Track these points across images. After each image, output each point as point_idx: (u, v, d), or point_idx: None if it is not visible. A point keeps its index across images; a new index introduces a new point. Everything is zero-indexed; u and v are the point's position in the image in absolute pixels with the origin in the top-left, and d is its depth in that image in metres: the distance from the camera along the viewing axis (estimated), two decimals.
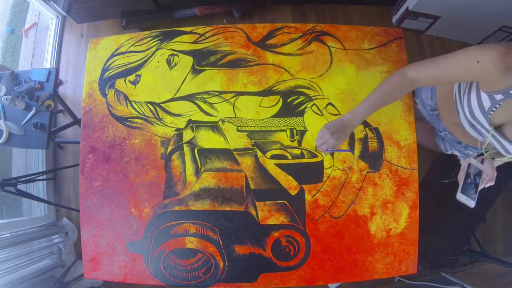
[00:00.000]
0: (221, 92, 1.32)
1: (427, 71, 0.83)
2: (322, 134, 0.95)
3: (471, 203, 0.99)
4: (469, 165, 1.01)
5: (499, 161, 0.98)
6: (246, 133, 1.28)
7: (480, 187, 1.00)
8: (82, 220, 1.27)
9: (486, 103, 0.77)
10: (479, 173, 1.01)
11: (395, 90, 0.89)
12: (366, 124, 1.27)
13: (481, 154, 1.00)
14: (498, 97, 0.73)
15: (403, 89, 0.89)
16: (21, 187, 1.64)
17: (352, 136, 1.26)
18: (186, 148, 1.28)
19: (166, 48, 1.37)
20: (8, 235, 1.73)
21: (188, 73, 1.34)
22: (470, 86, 0.84)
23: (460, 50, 0.75)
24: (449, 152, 1.25)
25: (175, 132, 1.30)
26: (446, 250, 1.89)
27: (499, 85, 0.70)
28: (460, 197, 0.99)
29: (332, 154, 1.03)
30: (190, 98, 1.32)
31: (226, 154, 1.27)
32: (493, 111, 0.76)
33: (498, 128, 0.80)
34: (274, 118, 1.29)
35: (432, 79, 0.87)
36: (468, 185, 0.99)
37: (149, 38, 1.39)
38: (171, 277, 1.22)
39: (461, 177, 1.00)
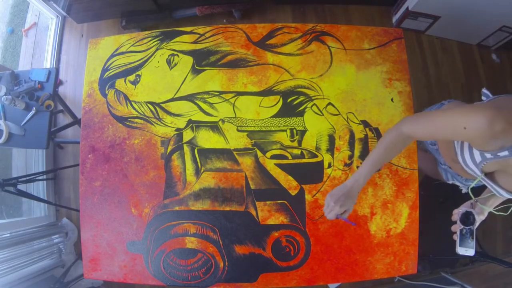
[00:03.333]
0: (221, 92, 1.32)
1: (421, 129, 0.83)
2: (327, 202, 0.95)
3: (471, 252, 0.96)
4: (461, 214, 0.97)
5: (487, 209, 0.95)
6: (246, 133, 1.28)
7: (475, 232, 0.97)
8: (82, 220, 1.27)
9: (477, 157, 0.77)
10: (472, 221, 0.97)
11: (394, 146, 0.90)
12: (366, 124, 1.27)
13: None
14: (488, 155, 0.73)
15: (401, 145, 0.90)
16: (21, 187, 1.64)
17: (352, 136, 1.26)
18: (186, 148, 1.28)
19: (166, 48, 1.37)
20: (8, 235, 1.72)
21: (188, 73, 1.34)
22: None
23: (449, 111, 0.75)
24: (451, 182, 1.26)
25: (175, 132, 1.29)
26: (446, 250, 1.89)
27: (488, 147, 0.70)
28: (460, 250, 0.96)
29: (341, 217, 0.99)
30: (190, 98, 1.32)
31: (226, 154, 1.27)
32: (484, 164, 0.77)
33: (490, 175, 0.80)
34: (274, 118, 1.29)
35: (427, 137, 0.88)
36: (464, 236, 0.96)
37: (149, 38, 1.38)
38: (171, 277, 1.22)
39: (456, 229, 0.97)
